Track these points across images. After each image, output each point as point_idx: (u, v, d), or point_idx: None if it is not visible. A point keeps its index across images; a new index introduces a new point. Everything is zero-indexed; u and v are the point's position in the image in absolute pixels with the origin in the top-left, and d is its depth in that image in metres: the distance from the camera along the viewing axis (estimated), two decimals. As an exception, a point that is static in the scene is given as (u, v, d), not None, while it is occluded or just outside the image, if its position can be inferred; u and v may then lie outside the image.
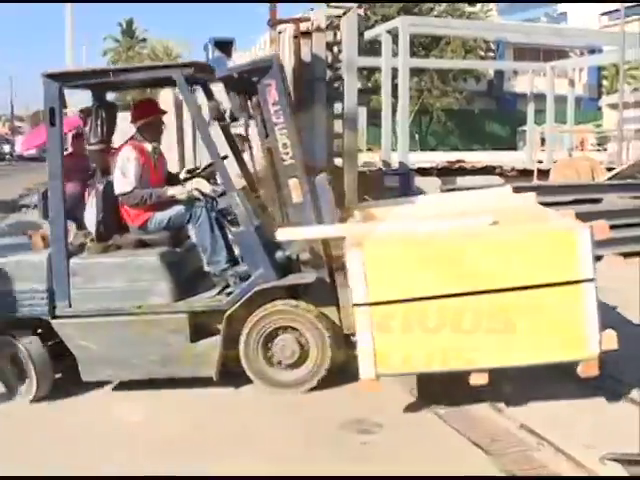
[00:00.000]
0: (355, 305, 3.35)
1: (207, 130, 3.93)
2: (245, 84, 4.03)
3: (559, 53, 24.72)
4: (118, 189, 4.15)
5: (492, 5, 29.94)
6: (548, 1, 30.37)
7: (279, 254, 4.02)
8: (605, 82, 30.85)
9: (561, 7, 33.46)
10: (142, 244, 4.19)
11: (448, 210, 4.20)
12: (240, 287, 3.98)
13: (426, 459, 3.10)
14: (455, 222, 3.69)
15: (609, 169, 14.13)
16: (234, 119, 4.11)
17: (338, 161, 7.34)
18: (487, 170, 11.34)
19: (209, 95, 4.15)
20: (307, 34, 6.86)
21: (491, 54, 29.33)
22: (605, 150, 18.39)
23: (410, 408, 3.67)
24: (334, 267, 4.03)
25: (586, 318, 3.23)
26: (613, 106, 21.63)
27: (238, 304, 3.93)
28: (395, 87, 11.76)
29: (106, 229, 4.20)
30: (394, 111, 11.94)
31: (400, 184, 8.78)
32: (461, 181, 9.25)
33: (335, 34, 6.78)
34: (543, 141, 18.32)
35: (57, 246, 3.94)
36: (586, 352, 3.24)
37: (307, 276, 4.00)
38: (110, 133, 4.45)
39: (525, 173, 11.79)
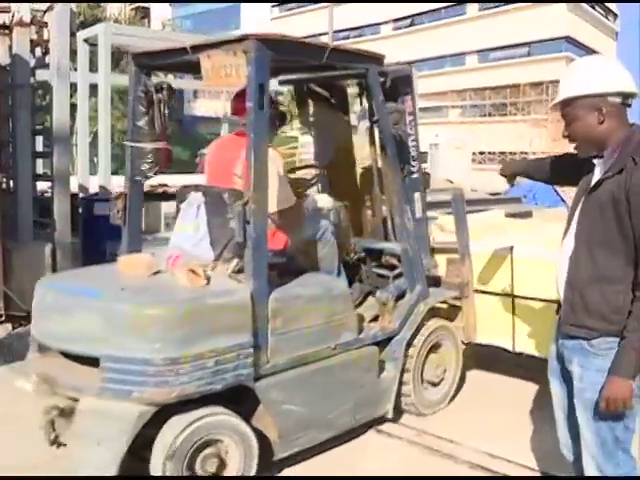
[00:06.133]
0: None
1: (394, 148, 3.45)
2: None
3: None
4: (279, 204, 3.14)
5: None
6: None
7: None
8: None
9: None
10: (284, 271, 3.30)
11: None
12: (403, 307, 3.62)
13: None
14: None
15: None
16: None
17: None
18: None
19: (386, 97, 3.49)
20: (6, 28, 5.80)
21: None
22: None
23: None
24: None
25: None
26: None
27: (414, 326, 3.59)
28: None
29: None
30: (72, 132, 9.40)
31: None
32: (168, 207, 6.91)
33: (41, 32, 5.89)
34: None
35: (260, 275, 2.80)
36: None
37: (449, 291, 3.93)
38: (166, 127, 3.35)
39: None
